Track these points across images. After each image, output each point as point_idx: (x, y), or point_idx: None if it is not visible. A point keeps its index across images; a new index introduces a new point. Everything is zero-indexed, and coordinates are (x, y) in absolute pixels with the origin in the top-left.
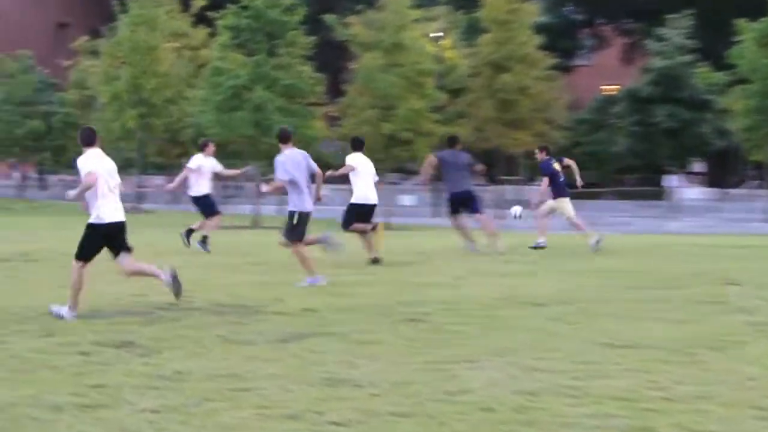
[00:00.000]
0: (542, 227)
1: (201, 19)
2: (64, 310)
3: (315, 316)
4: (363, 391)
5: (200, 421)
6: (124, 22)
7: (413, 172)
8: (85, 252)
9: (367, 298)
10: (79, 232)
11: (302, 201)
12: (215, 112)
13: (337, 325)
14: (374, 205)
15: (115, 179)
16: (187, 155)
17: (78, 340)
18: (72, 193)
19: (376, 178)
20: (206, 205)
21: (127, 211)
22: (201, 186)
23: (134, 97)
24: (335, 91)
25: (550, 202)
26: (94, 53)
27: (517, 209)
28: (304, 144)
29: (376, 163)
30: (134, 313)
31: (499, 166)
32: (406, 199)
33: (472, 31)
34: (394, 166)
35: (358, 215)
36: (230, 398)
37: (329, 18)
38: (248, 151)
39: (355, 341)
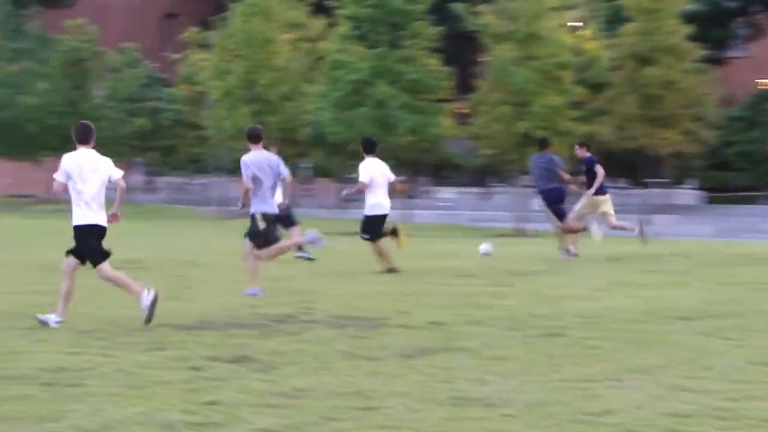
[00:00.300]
0: (620, 226)
1: (319, 8)
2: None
3: (442, 329)
4: (495, 411)
5: None
6: (237, 12)
7: None
8: None
9: (499, 311)
10: (189, 238)
11: (263, 202)
12: (334, 109)
13: (466, 339)
14: (386, 214)
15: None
16: (305, 156)
17: (189, 355)
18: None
19: (392, 178)
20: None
21: (239, 216)
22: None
23: (247, 93)
24: (464, 86)
25: (592, 199)
26: (205, 46)
27: (485, 247)
28: (430, 143)
29: (509, 164)
30: (249, 325)
31: (643, 167)
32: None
33: (614, 21)
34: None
35: (378, 225)
36: (353, 417)
37: (458, 7)
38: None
39: (486, 357)
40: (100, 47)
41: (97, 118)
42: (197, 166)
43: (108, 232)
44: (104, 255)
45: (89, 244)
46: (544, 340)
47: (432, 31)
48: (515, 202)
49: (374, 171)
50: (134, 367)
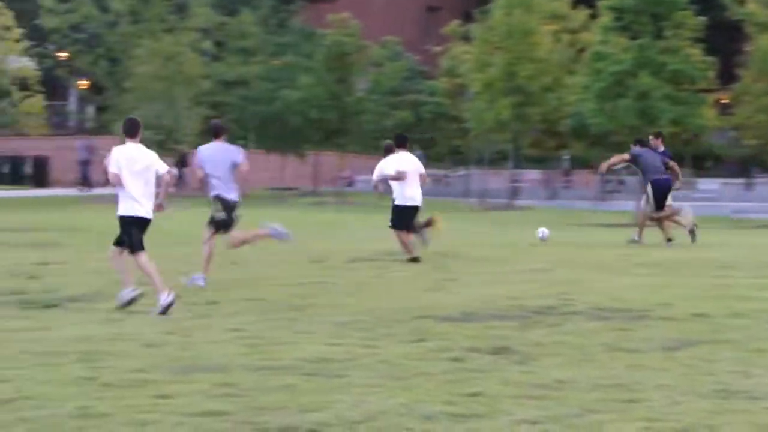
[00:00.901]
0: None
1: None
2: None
3: (706, 321)
4: (759, 404)
5: None
6: (499, 4)
7: None
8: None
9: (761, 303)
10: (449, 230)
11: (216, 189)
12: (596, 100)
13: (730, 331)
14: (418, 206)
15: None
16: (565, 147)
17: (451, 346)
18: None
19: (423, 172)
20: None
21: (501, 208)
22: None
23: (509, 85)
24: (727, 76)
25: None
26: (466, 38)
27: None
28: (692, 134)
29: None
30: (510, 317)
31: None
32: None
33: None
34: None
35: (409, 216)
36: (615, 410)
37: None
38: (631, 143)
39: (751, 349)
40: (363, 41)
41: (360, 112)
42: (457, 158)
43: (363, 223)
44: (142, 245)
45: (130, 233)
46: None
47: (695, 21)
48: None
49: (406, 165)
50: (396, 358)
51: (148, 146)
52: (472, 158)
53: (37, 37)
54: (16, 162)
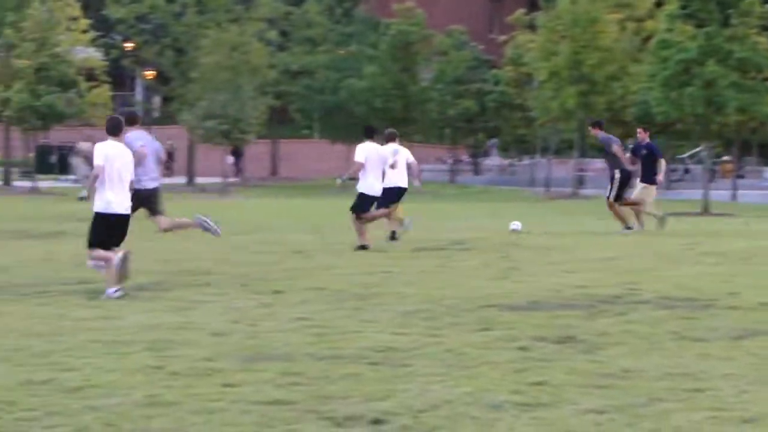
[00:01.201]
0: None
1: None
2: None
3: None
4: None
5: (650, 424)
6: None
7: None
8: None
9: None
10: (513, 219)
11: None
12: (662, 88)
13: None
14: (376, 197)
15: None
16: (630, 136)
17: (517, 335)
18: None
19: (389, 161)
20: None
21: (566, 197)
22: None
23: (574, 73)
24: None
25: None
26: (531, 27)
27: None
28: (758, 122)
29: None
30: (576, 306)
31: None
32: None
33: None
34: None
35: (370, 204)
36: (682, 399)
37: None
38: (697, 131)
39: None
40: (428, 30)
41: (424, 101)
42: (522, 147)
43: (427, 212)
44: (101, 245)
45: (97, 229)
46: None
47: (762, 9)
48: None
49: (370, 154)
50: (461, 347)
51: (213, 136)
52: (538, 147)
53: (103, 27)
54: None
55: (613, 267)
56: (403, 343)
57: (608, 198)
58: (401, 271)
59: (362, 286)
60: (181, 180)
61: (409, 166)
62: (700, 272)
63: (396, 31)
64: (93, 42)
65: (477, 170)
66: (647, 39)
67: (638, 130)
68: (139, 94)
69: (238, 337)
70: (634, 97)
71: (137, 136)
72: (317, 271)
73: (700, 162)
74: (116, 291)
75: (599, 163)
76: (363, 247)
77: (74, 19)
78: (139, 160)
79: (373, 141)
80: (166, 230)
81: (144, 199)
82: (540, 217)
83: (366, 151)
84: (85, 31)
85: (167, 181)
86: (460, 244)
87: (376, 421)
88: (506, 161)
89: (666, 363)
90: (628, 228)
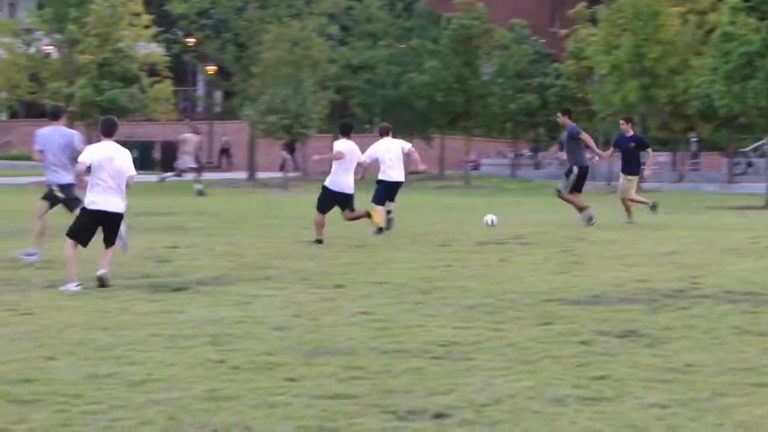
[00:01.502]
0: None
1: None
2: None
3: None
4: None
5: (714, 418)
6: None
7: None
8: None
9: None
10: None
11: (52, 171)
12: (724, 81)
13: None
14: (351, 195)
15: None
16: (692, 129)
17: (578, 329)
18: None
19: (363, 160)
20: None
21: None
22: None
23: (635, 67)
24: None
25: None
26: (593, 21)
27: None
28: None
29: None
30: (638, 300)
31: None
32: None
33: None
34: None
35: (332, 201)
36: (746, 393)
37: None
38: (760, 124)
39: None
40: (489, 24)
41: (485, 95)
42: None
43: (489, 207)
44: (80, 237)
45: (82, 223)
46: None
47: None
48: None
49: (348, 150)
50: (524, 341)
51: (275, 131)
52: (599, 141)
53: (165, 23)
54: (145, 147)
55: (675, 261)
56: (466, 338)
57: (559, 191)
58: (463, 266)
59: (424, 280)
60: (241, 175)
61: (408, 155)
62: (764, 266)
63: (457, 25)
64: (155, 37)
65: (537, 164)
66: (710, 32)
67: (621, 122)
68: (200, 90)
69: (299, 331)
70: (697, 90)
71: (46, 132)
72: (378, 266)
73: (763, 155)
74: (77, 285)
75: (661, 157)
76: (318, 242)
77: (136, 14)
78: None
79: (350, 138)
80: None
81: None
82: (601, 211)
83: (343, 147)
84: (147, 27)
85: (229, 175)
86: (521, 238)
87: (439, 415)
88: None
89: (729, 358)
90: (584, 210)
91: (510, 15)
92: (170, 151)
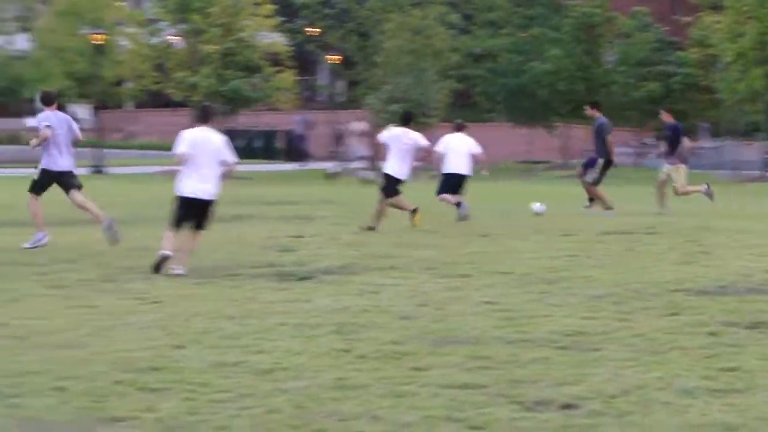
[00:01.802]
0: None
1: None
2: None
3: None
4: None
5: None
6: None
7: None
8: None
9: None
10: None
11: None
12: None
13: None
14: (399, 179)
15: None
16: None
17: (706, 320)
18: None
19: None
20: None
21: (753, 180)
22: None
23: (761, 54)
24: None
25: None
26: (716, 8)
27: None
28: None
29: None
30: (766, 291)
31: None
32: None
33: None
34: None
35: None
36: None
37: None
38: None
39: None
40: (612, 12)
41: (608, 84)
42: (709, 130)
43: (612, 196)
44: (179, 225)
45: (182, 211)
46: None
47: None
48: None
49: (392, 138)
50: (651, 332)
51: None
52: (725, 130)
53: (287, 13)
54: (268, 136)
55: None
56: (592, 328)
57: (588, 181)
58: (588, 255)
59: (549, 270)
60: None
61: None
62: None
63: (579, 14)
64: (277, 27)
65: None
66: None
67: (661, 111)
68: (323, 79)
69: (425, 320)
70: None
71: (45, 117)
72: (503, 255)
73: None
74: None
75: None
76: (371, 228)
77: (258, 4)
78: (41, 140)
79: (409, 127)
80: (79, 207)
81: (55, 178)
82: (728, 200)
83: (388, 134)
84: (269, 17)
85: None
86: (647, 228)
87: (567, 406)
88: (717, 144)
89: None
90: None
91: (632, 3)
92: (293, 141)
